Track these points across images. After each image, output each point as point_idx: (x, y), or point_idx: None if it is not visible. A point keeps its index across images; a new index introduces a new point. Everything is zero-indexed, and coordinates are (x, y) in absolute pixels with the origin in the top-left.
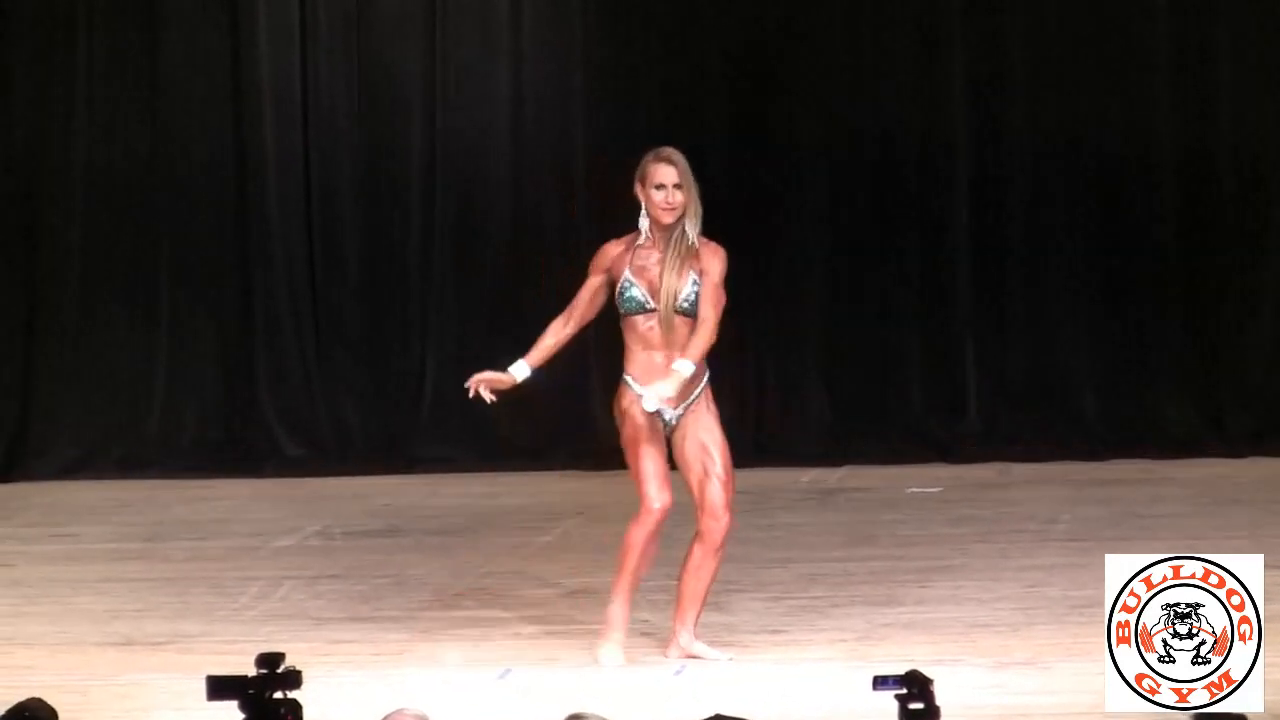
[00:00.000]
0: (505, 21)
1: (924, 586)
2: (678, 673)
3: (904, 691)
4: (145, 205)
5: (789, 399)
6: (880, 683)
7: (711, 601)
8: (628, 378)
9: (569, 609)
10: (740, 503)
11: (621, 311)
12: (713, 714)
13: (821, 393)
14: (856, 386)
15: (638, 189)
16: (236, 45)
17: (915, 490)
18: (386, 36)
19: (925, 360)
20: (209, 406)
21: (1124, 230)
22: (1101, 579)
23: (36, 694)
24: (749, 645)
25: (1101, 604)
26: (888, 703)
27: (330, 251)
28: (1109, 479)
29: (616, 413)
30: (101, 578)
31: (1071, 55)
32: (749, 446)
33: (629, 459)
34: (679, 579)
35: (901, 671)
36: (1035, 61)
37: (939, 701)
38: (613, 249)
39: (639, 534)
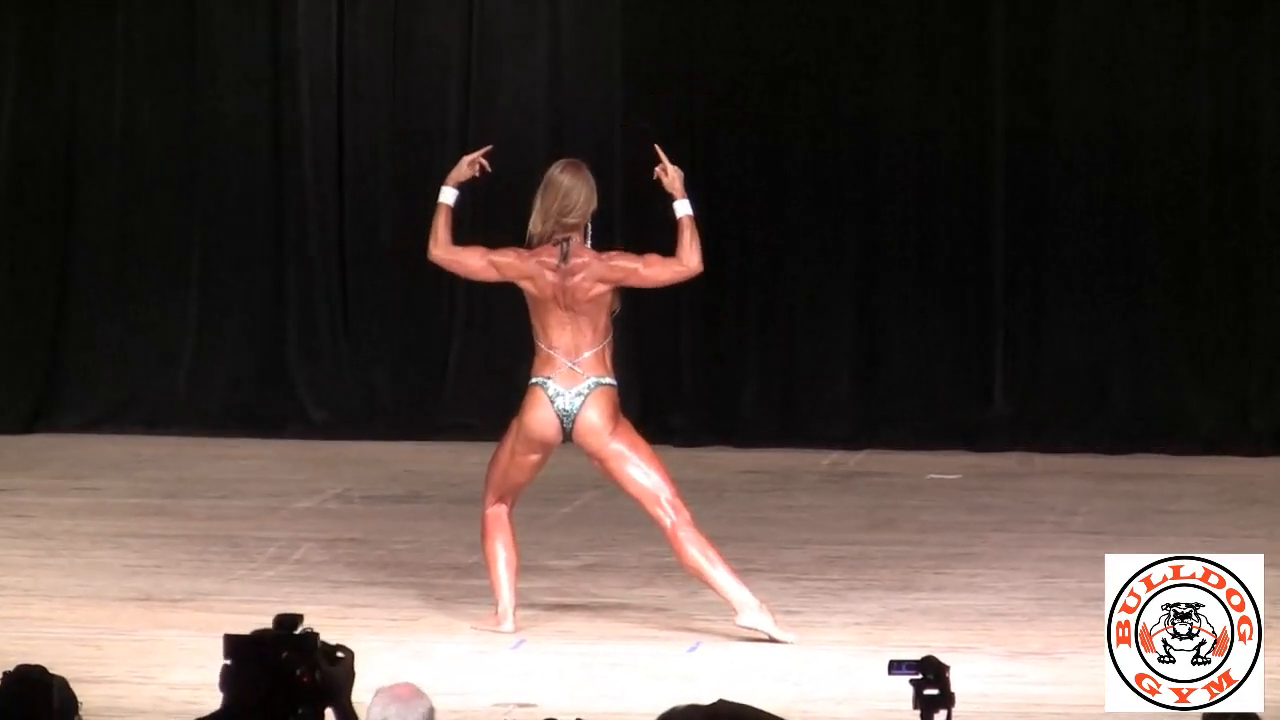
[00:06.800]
0: None
1: (941, 573)
2: (691, 649)
3: (919, 677)
4: (180, 167)
5: (815, 381)
6: (896, 667)
7: None
8: (614, 381)
9: (584, 582)
10: (761, 482)
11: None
12: (717, 699)
13: (847, 376)
14: (883, 371)
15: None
16: (274, 12)
17: (935, 477)
18: (424, 5)
19: (953, 347)
20: (237, 367)
21: (1154, 223)
22: None
23: (53, 646)
24: None
25: None
26: (902, 687)
27: (362, 219)
28: (1131, 473)
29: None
30: (122, 533)
31: (1107, 44)
32: (773, 427)
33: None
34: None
35: (917, 657)
36: (1073, 51)
37: (954, 688)
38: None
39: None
